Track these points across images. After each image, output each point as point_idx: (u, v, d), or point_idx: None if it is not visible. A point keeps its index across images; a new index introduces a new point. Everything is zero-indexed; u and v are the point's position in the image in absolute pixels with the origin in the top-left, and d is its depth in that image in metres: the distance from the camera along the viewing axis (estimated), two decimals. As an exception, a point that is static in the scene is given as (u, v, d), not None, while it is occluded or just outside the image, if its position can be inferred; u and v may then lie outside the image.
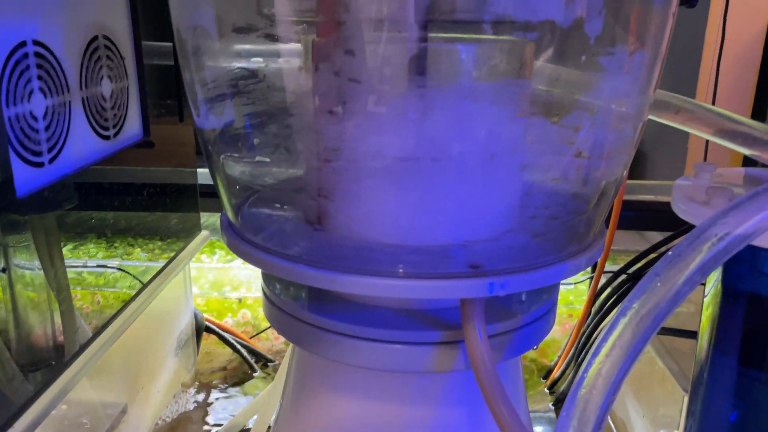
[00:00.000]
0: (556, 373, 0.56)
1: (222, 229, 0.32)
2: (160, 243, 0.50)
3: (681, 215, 0.30)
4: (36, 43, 0.29)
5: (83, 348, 0.42)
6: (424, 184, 0.27)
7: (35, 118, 0.29)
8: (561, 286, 0.67)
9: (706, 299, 0.33)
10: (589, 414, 0.25)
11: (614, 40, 0.24)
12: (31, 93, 0.29)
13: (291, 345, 0.34)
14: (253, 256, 0.29)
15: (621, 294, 0.51)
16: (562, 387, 0.55)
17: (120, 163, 0.40)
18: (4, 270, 0.32)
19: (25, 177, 0.29)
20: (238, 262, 0.65)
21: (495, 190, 0.27)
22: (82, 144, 0.34)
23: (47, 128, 0.30)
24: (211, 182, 0.32)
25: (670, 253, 0.26)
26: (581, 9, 0.22)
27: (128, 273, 0.49)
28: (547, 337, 0.62)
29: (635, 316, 0.26)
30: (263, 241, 0.29)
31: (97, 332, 0.43)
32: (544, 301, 0.32)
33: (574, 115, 0.26)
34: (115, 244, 0.48)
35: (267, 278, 0.33)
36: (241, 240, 0.30)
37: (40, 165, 0.30)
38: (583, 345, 0.54)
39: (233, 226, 0.31)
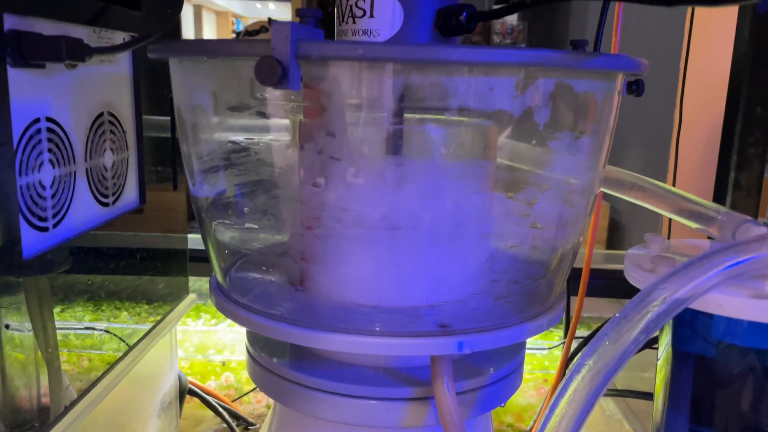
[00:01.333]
0: (531, 436, 0.57)
1: (210, 291, 0.34)
2: (146, 306, 0.52)
3: (631, 281, 0.33)
4: (48, 119, 0.33)
5: (68, 408, 0.43)
6: (397, 250, 0.30)
7: (43, 187, 0.32)
8: (536, 352, 0.69)
9: (659, 362, 0.35)
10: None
11: (561, 127, 0.28)
12: (41, 164, 0.32)
13: (271, 405, 0.36)
14: (240, 316, 0.31)
15: (591, 358, 0.53)
16: (536, 451, 0.56)
17: (114, 227, 0.43)
18: (7, 326, 0.34)
19: (31, 240, 0.31)
20: (223, 325, 0.67)
21: (460, 255, 0.30)
22: (84, 210, 0.37)
23: (53, 196, 0.33)
24: (200, 247, 0.34)
25: (617, 315, 0.28)
26: (529, 101, 0.26)
27: (115, 335, 0.51)
28: (524, 402, 0.64)
29: (588, 373, 0.28)
30: (249, 301, 0.32)
31: (83, 393, 0.44)
32: (511, 360, 0.34)
33: (528, 190, 0.29)
34: (102, 308, 0.49)
35: (251, 338, 0.35)
36: (229, 300, 0.32)
37: (45, 229, 0.33)
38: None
39: (221, 287, 0.34)
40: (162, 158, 0.49)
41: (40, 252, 0.32)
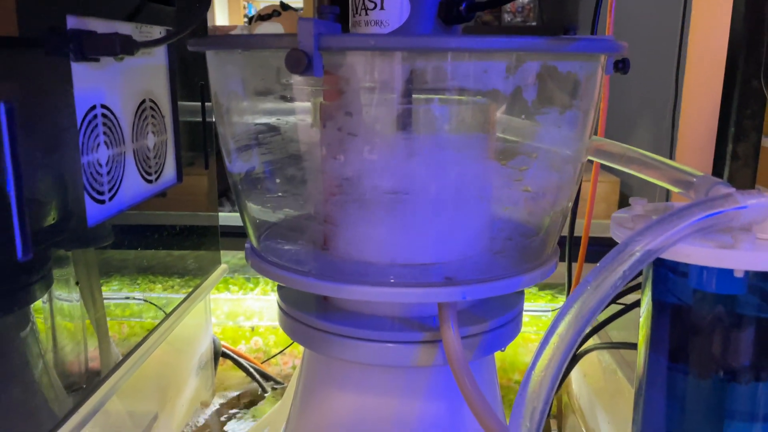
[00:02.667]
0: (536, 392, 0.62)
1: (246, 255, 0.39)
2: (179, 280, 0.57)
3: (615, 238, 0.37)
4: (102, 106, 0.37)
5: (114, 369, 0.47)
6: (407, 214, 0.35)
7: (100, 165, 0.37)
8: (542, 315, 0.74)
9: (642, 317, 0.40)
10: (544, 384, 0.32)
11: (547, 103, 0.32)
12: (98, 145, 0.37)
13: (300, 360, 0.41)
14: (274, 273, 0.36)
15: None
16: (541, 403, 0.61)
17: (151, 205, 0.48)
18: (77, 282, 0.39)
19: (92, 211, 0.36)
20: (251, 295, 0.72)
21: (462, 217, 0.35)
22: (132, 186, 0.42)
23: (108, 173, 0.38)
24: (227, 223, 0.39)
25: (598, 264, 0.33)
26: (518, 81, 0.30)
27: (153, 304, 0.56)
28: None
29: (575, 313, 0.33)
30: (281, 261, 0.37)
31: (127, 355, 0.49)
32: (509, 310, 0.39)
33: (519, 159, 0.34)
34: (137, 281, 0.54)
35: (283, 295, 0.40)
36: (264, 261, 0.37)
37: (102, 202, 0.38)
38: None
39: (256, 250, 0.39)
40: (194, 140, 0.54)
41: (100, 221, 0.37)
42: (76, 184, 0.34)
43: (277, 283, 0.39)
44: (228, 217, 0.65)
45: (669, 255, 0.33)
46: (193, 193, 0.55)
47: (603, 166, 0.48)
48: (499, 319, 0.38)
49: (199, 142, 0.54)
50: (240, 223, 0.68)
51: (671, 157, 0.78)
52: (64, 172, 0.33)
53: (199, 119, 0.53)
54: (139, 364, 0.48)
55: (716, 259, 0.32)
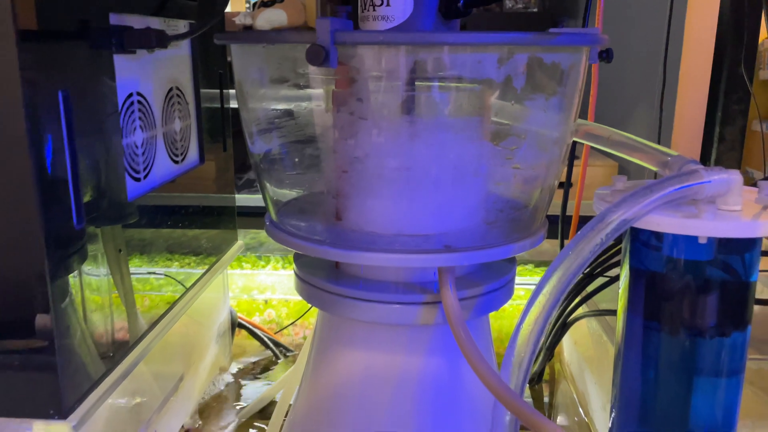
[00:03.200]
0: (531, 359, 0.66)
1: (266, 228, 0.44)
2: (204, 253, 0.61)
3: (596, 210, 0.42)
4: (138, 93, 0.42)
5: (141, 338, 0.51)
6: (411, 189, 0.39)
7: (137, 146, 0.42)
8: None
9: (621, 285, 0.44)
10: (531, 337, 0.36)
11: (534, 90, 0.36)
12: (135, 129, 0.41)
13: (310, 330, 0.45)
14: (292, 242, 0.41)
15: (580, 290, 0.62)
16: (534, 368, 0.65)
17: (174, 188, 0.52)
18: (119, 250, 0.43)
19: (131, 188, 0.41)
20: (263, 270, 0.77)
21: (460, 191, 0.39)
22: (162, 166, 0.46)
23: (143, 154, 0.43)
24: (244, 204, 0.43)
25: (579, 232, 0.37)
26: (508, 70, 0.34)
27: (173, 278, 0.61)
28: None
29: (560, 275, 0.37)
30: (297, 231, 0.41)
31: (152, 325, 0.53)
32: (502, 277, 0.43)
33: (510, 139, 0.38)
34: (155, 259, 0.58)
35: (299, 263, 0.45)
36: (283, 232, 0.42)
37: (139, 180, 0.42)
38: (553, 337, 0.65)
39: (275, 223, 0.43)
40: (213, 125, 0.58)
41: (137, 196, 0.42)
42: (118, 163, 0.39)
43: (286, 260, 0.43)
44: (238, 198, 0.69)
45: (642, 224, 0.37)
46: (211, 174, 0.59)
47: (601, 151, 0.52)
48: (492, 284, 0.42)
49: (218, 126, 0.58)
50: (251, 203, 0.73)
51: (659, 140, 0.83)
52: (110, 152, 0.37)
53: (218, 105, 0.58)
54: (165, 332, 0.52)
55: (682, 227, 0.36)
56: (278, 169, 0.43)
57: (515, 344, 0.37)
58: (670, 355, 0.42)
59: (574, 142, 0.65)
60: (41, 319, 0.32)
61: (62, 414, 0.32)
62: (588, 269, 0.63)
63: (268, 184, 0.44)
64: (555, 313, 0.65)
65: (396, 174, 0.39)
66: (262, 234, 0.88)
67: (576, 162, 0.68)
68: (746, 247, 0.38)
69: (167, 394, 0.53)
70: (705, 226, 0.36)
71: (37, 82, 0.30)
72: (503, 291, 0.44)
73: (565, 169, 0.63)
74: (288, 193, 0.44)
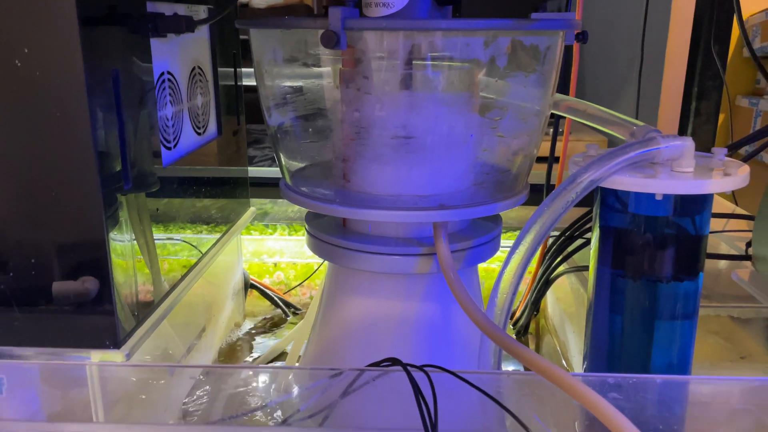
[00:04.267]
0: (518, 313, 0.73)
1: (282, 191, 0.50)
2: (220, 218, 0.67)
3: (570, 173, 0.48)
4: (168, 73, 0.47)
5: (164, 298, 0.56)
6: (409, 155, 0.45)
7: (168, 119, 0.47)
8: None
9: (593, 242, 0.50)
10: (513, 282, 0.43)
11: (515, 68, 0.42)
12: (166, 104, 0.47)
13: (316, 291, 0.50)
14: (305, 202, 0.47)
15: (561, 250, 0.69)
16: (521, 321, 0.72)
17: (195, 160, 0.57)
18: (157, 209, 0.49)
19: (165, 155, 0.47)
20: (272, 237, 0.83)
21: (452, 157, 0.45)
22: (188, 137, 0.52)
23: (173, 126, 0.48)
24: (256, 175, 0.48)
25: (554, 191, 0.43)
26: (493, 52, 0.40)
27: (189, 243, 0.67)
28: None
29: (536, 228, 0.43)
30: (310, 193, 0.47)
31: (176, 284, 0.59)
32: (488, 233, 0.49)
33: (494, 111, 0.44)
34: (177, 224, 0.64)
35: (310, 221, 0.51)
36: (296, 193, 0.48)
37: (170, 149, 0.48)
38: (537, 293, 0.71)
39: (290, 186, 0.49)
40: (228, 101, 0.64)
41: (170, 163, 0.48)
42: (155, 133, 0.45)
43: (291, 228, 0.49)
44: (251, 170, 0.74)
45: (608, 184, 0.43)
46: (226, 146, 0.65)
47: (591, 128, 0.58)
48: (480, 239, 0.49)
49: (232, 102, 0.64)
50: (259, 175, 0.79)
51: (637, 115, 0.88)
52: (149, 123, 0.43)
53: (232, 83, 0.63)
54: (187, 290, 0.58)
55: (642, 185, 0.42)
56: (292, 139, 0.49)
57: (499, 286, 0.44)
58: (634, 300, 0.48)
59: (558, 121, 0.71)
60: (100, 267, 0.38)
61: (117, 344, 0.39)
62: (568, 233, 0.69)
63: (282, 153, 0.49)
64: (540, 272, 0.72)
65: (396, 142, 0.45)
66: (268, 205, 0.94)
67: (560, 138, 0.74)
68: (697, 204, 0.45)
69: (192, 340, 0.59)
70: (660, 185, 0.42)
71: (95, 63, 0.35)
72: (490, 246, 0.50)
73: (549, 143, 0.69)
74: (301, 161, 0.50)
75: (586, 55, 1.56)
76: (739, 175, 0.42)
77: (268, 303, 0.77)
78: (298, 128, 0.48)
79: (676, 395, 0.38)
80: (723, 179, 0.42)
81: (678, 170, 0.43)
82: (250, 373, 0.39)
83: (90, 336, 0.39)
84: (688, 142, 0.43)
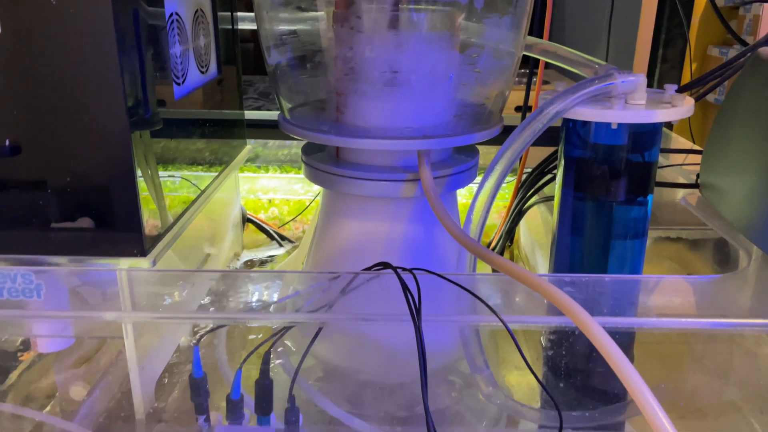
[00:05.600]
0: (493, 243, 0.80)
1: (281, 124, 0.55)
2: (219, 156, 0.72)
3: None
4: (176, 14, 0.52)
5: (170, 227, 0.62)
6: (397, 89, 0.50)
7: (177, 57, 0.52)
8: (505, 191, 0.91)
9: (558, 170, 0.56)
10: (487, 202, 0.49)
11: (491, 10, 0.47)
12: (175, 42, 0.52)
13: (308, 225, 0.56)
14: (302, 133, 0.52)
15: (533, 185, 0.75)
16: (496, 250, 0.79)
17: (194, 102, 0.61)
18: (172, 138, 0.54)
19: (175, 90, 0.52)
20: (265, 175, 0.88)
21: (435, 91, 0.51)
22: (193, 75, 0.57)
23: (181, 63, 0.53)
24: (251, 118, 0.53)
25: (523, 122, 0.49)
26: (470, -5, 0.45)
27: (188, 180, 0.72)
28: (489, 223, 0.86)
29: (507, 154, 0.49)
30: (307, 125, 0.53)
31: (179, 216, 0.64)
32: (466, 162, 0.55)
33: (472, 49, 0.49)
34: (178, 163, 0.69)
35: (306, 152, 0.56)
36: (294, 126, 0.53)
37: (179, 84, 0.53)
38: (511, 223, 0.78)
39: (288, 119, 0.55)
40: (225, 43, 0.68)
41: (180, 98, 0.53)
42: (168, 69, 0.49)
43: (283, 169, 0.54)
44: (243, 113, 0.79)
45: (571, 115, 0.49)
46: (225, 86, 0.69)
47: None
48: (458, 168, 0.55)
49: (229, 44, 0.68)
50: (252, 117, 0.85)
51: (606, 58, 0.94)
52: (163, 59, 0.48)
53: (229, 26, 0.67)
54: (191, 221, 0.63)
55: (600, 115, 0.48)
56: (290, 77, 0.54)
57: (475, 205, 0.50)
58: (592, 222, 0.54)
59: (531, 72, 0.76)
60: (129, 185, 0.43)
61: (143, 253, 0.44)
62: (538, 169, 0.75)
63: (281, 90, 0.54)
64: (513, 205, 0.78)
65: (385, 77, 0.50)
66: (258, 148, 0.99)
67: (534, 88, 0.79)
68: (648, 134, 0.51)
69: (199, 265, 0.65)
70: (615, 115, 0.48)
71: (120, 3, 0.40)
72: (467, 174, 0.56)
73: (524, 92, 0.74)
74: (297, 98, 0.55)
75: (565, 4, 1.60)
76: (684, 107, 0.49)
77: (263, 236, 0.83)
78: (296, 66, 0.53)
79: (623, 290, 0.45)
80: (669, 110, 0.48)
81: (631, 102, 0.49)
82: (262, 275, 0.46)
83: (119, 246, 0.45)
84: (641, 78, 0.49)
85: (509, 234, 0.78)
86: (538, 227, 0.76)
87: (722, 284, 0.45)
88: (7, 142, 0.43)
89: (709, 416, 0.57)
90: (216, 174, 0.68)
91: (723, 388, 0.60)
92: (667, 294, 0.44)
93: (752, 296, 0.44)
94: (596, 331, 0.36)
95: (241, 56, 0.72)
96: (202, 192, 0.65)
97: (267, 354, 0.42)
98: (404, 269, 0.43)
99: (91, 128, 0.42)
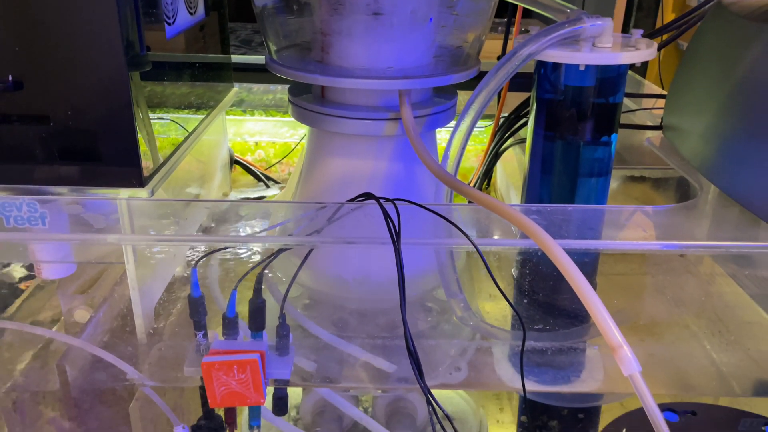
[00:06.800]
0: (471, 185, 0.84)
1: (267, 64, 0.57)
2: (207, 99, 0.74)
3: (513, 50, 0.57)
4: (165, -45, 0.53)
5: (162, 164, 0.65)
6: (378, 30, 0.53)
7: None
8: (475, 129, 0.95)
9: (530, 112, 0.60)
10: (464, 138, 0.52)
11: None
12: (165, -16, 0.53)
13: (293, 167, 0.59)
14: (290, 72, 0.55)
15: (509, 128, 0.79)
16: (474, 191, 0.83)
17: (178, 47, 0.63)
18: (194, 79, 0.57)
19: (166, 30, 0.54)
20: (252, 118, 0.90)
21: (415, 33, 0.53)
22: (183, 16, 0.58)
23: (171, 3, 0.55)
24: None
25: (498, 63, 0.52)
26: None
27: (177, 122, 0.74)
28: (467, 166, 0.90)
29: (484, 95, 0.53)
30: (293, 65, 0.55)
31: (170, 155, 0.67)
32: (445, 103, 0.59)
33: (450, -8, 0.52)
34: (167, 106, 0.71)
35: (292, 92, 0.59)
36: (282, 66, 0.56)
37: (170, 24, 0.55)
38: (488, 165, 0.82)
39: (275, 60, 0.57)
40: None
41: (171, 37, 0.55)
42: (160, 8, 0.51)
43: (268, 113, 0.56)
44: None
45: (542, 57, 0.53)
46: (211, 30, 0.71)
47: None
48: (438, 108, 0.58)
49: (215, -13, 0.70)
50: (238, 60, 0.87)
51: (583, 6, 0.97)
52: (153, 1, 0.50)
53: (216, -31, 0.69)
54: (179, 162, 0.66)
55: (569, 57, 0.52)
56: (276, 18, 0.56)
57: (452, 142, 0.53)
58: (561, 160, 0.58)
59: (509, 22, 0.78)
60: (126, 117, 0.46)
61: (142, 184, 0.48)
62: (514, 114, 0.79)
63: (268, 32, 0.57)
64: (490, 147, 0.82)
65: (369, 18, 0.53)
66: (243, 93, 1.00)
67: (511, 36, 0.82)
68: (613, 75, 0.54)
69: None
70: (583, 57, 0.51)
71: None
72: (446, 114, 0.59)
73: (502, 41, 0.77)
74: (284, 40, 0.58)
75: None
76: (647, 50, 0.52)
77: (251, 178, 0.86)
78: (282, 8, 0.56)
79: (584, 218, 0.49)
80: (633, 52, 0.51)
81: (599, 45, 0.52)
82: (254, 205, 0.49)
83: (119, 177, 0.48)
84: (608, 23, 0.52)
85: (486, 175, 0.82)
86: (514, 171, 0.80)
87: (675, 213, 0.49)
88: (10, 78, 0.45)
89: (666, 339, 0.62)
90: (204, 116, 0.71)
91: (680, 314, 0.66)
92: (625, 220, 0.48)
93: (701, 223, 0.48)
94: (556, 250, 0.40)
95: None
96: (191, 132, 0.68)
97: (260, 276, 0.46)
98: (387, 199, 0.47)
99: (90, 64, 0.44)
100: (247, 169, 0.85)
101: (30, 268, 0.67)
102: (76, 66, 0.44)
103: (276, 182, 0.86)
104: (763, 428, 0.44)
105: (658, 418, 0.38)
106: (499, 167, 0.84)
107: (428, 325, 0.61)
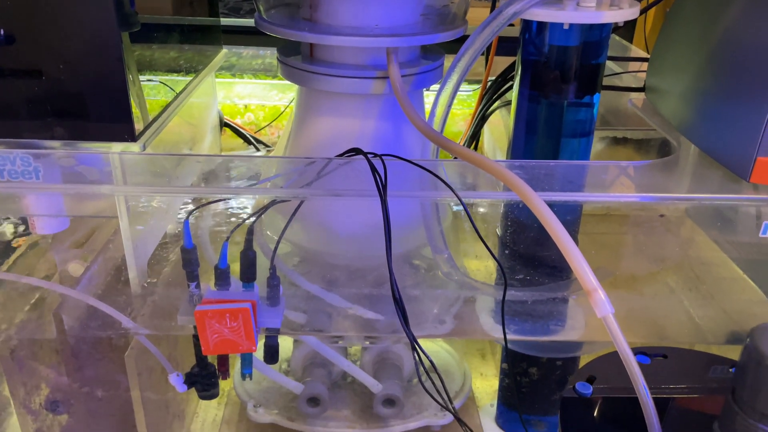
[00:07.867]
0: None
1: (257, 23, 0.58)
2: (195, 62, 0.74)
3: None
4: None
5: (153, 121, 0.65)
6: (367, -11, 0.54)
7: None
8: (462, 93, 0.96)
9: (516, 74, 0.60)
10: (452, 91, 0.53)
11: None
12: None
13: (282, 130, 0.60)
14: (279, 30, 0.55)
15: (496, 91, 0.80)
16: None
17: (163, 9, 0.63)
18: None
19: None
20: (241, 81, 0.91)
21: (402, -9, 0.54)
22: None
23: (160, -39, 0.55)
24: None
25: (484, 22, 0.53)
26: None
27: (166, 85, 0.75)
28: (455, 130, 0.91)
29: (470, 53, 0.54)
30: (282, 23, 0.56)
31: (158, 114, 0.67)
32: (432, 63, 0.59)
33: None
34: (156, 68, 0.71)
35: (282, 53, 0.60)
36: (272, 24, 0.56)
37: (159, -18, 0.55)
38: (475, 128, 0.83)
39: (265, 18, 0.58)
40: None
41: (159, -5, 0.55)
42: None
43: (257, 76, 0.56)
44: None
45: (527, 15, 0.54)
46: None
47: None
48: (425, 67, 0.59)
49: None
50: (227, 23, 0.87)
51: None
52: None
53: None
54: (169, 121, 0.66)
55: (552, 16, 0.53)
56: (266, -24, 0.57)
57: (439, 98, 0.54)
58: (545, 120, 0.60)
59: None
60: (118, 72, 0.47)
61: (134, 138, 0.49)
62: (501, 77, 0.80)
63: (258, -11, 0.57)
64: (478, 110, 0.83)
65: (356, -22, 0.53)
66: (233, 57, 1.00)
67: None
68: (597, 36, 0.55)
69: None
70: (567, 16, 0.52)
71: None
72: (433, 73, 0.60)
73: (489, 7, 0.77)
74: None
75: None
76: (629, 9, 0.53)
77: (241, 141, 0.86)
78: (272, -35, 0.56)
79: (565, 172, 0.50)
80: (615, 11, 0.52)
81: (582, 5, 0.53)
82: (245, 160, 0.50)
83: (111, 131, 0.48)
84: (592, -18, 0.53)
85: (474, 138, 0.83)
86: (501, 134, 0.81)
87: (653, 169, 0.51)
88: (1, 32, 0.45)
89: (646, 295, 0.65)
90: (194, 76, 0.71)
91: (659, 271, 0.68)
92: (604, 175, 0.50)
93: (678, 178, 0.50)
94: (535, 199, 0.42)
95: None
96: (181, 92, 0.69)
97: (251, 227, 0.48)
98: (374, 155, 0.48)
99: (81, 18, 0.45)
100: (237, 132, 0.86)
101: (24, 225, 0.68)
102: (68, 19, 0.45)
103: (266, 145, 0.87)
104: (730, 369, 0.47)
105: (630, 359, 0.40)
106: (486, 130, 0.85)
107: (415, 281, 0.62)
